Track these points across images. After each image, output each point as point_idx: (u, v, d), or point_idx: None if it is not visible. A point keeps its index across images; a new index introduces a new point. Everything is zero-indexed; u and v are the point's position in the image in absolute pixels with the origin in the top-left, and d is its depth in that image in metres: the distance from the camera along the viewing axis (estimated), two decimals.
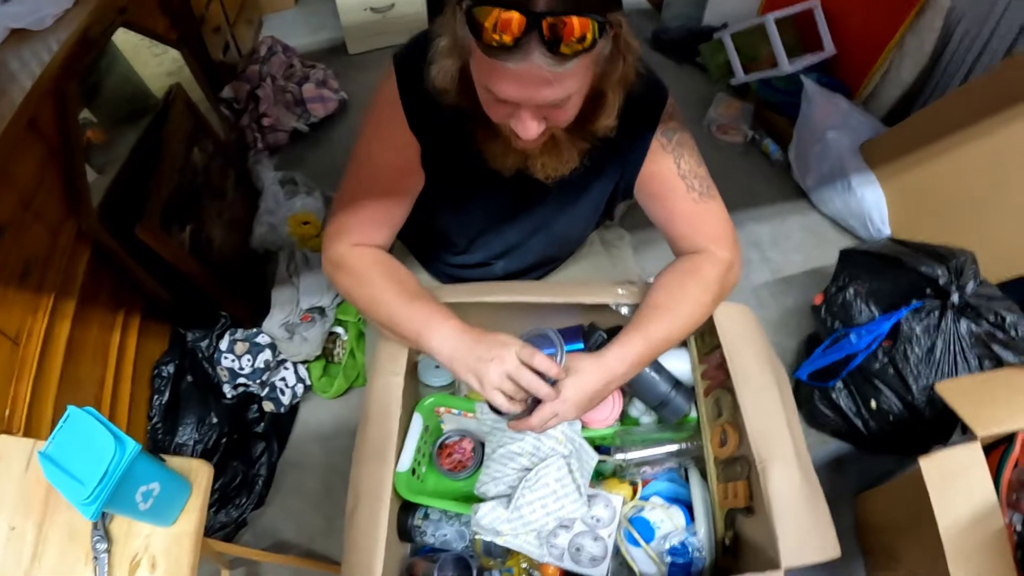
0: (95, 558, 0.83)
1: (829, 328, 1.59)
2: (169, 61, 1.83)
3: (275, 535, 1.53)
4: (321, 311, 1.71)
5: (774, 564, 0.73)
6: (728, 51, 2.56)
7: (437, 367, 1.06)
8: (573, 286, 1.11)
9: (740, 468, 0.85)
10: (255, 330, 1.66)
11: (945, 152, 1.80)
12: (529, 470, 0.84)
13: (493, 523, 0.81)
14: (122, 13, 1.53)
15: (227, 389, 1.60)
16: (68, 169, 1.30)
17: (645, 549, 0.87)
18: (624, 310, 0.98)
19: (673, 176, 0.91)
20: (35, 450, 0.89)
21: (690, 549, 0.85)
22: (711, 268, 0.91)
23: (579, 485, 0.84)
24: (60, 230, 1.27)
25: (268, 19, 3.16)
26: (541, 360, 0.77)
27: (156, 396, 1.52)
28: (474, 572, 0.87)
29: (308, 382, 1.72)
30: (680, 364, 1.01)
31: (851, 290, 1.55)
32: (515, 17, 0.59)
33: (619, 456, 0.93)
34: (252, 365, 1.60)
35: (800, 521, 0.75)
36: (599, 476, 0.96)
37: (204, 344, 1.60)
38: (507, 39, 0.60)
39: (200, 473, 0.92)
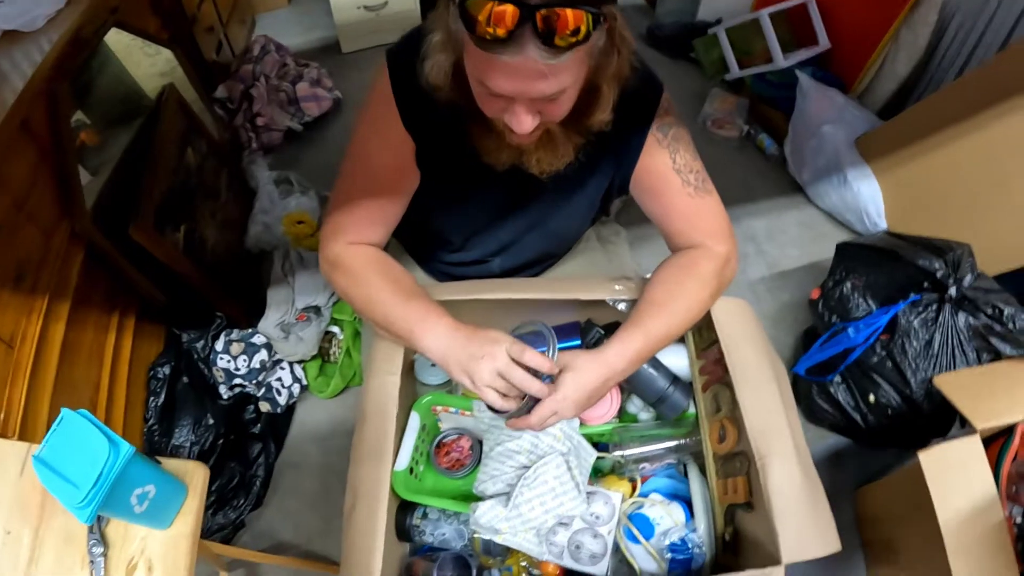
0: (91, 562, 0.83)
1: (826, 322, 1.58)
2: (162, 61, 1.82)
3: (273, 536, 1.52)
4: (317, 310, 1.70)
5: (775, 559, 0.73)
6: (723, 46, 2.56)
7: (433, 365, 1.05)
8: (570, 282, 1.10)
9: (739, 464, 0.85)
10: (251, 330, 1.65)
11: (941, 145, 1.80)
12: (527, 468, 0.83)
13: (492, 521, 0.81)
14: (114, 13, 1.52)
15: (223, 390, 1.59)
16: (61, 170, 1.29)
17: (645, 546, 0.86)
18: (621, 306, 0.98)
19: (669, 171, 0.91)
20: (30, 454, 0.88)
21: (690, 545, 0.85)
22: (708, 263, 0.91)
23: (578, 482, 0.83)
24: (53, 232, 1.26)
25: (261, 18, 3.15)
26: (531, 356, 0.76)
27: (152, 398, 1.51)
28: (473, 571, 0.87)
29: (304, 382, 1.71)
30: (678, 360, 1.01)
31: (848, 284, 1.55)
32: (509, 10, 0.58)
33: (617, 453, 0.93)
34: (248, 365, 1.59)
35: (800, 516, 0.75)
36: (598, 473, 0.96)
37: (200, 345, 1.59)
38: (501, 32, 0.59)
39: (196, 475, 0.91)
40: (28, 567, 0.83)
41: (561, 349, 0.80)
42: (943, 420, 1.35)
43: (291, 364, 1.70)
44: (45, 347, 1.19)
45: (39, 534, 0.85)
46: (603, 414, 0.97)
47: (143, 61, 1.77)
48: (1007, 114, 1.62)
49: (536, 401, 0.78)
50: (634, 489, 0.93)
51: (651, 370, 0.94)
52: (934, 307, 1.39)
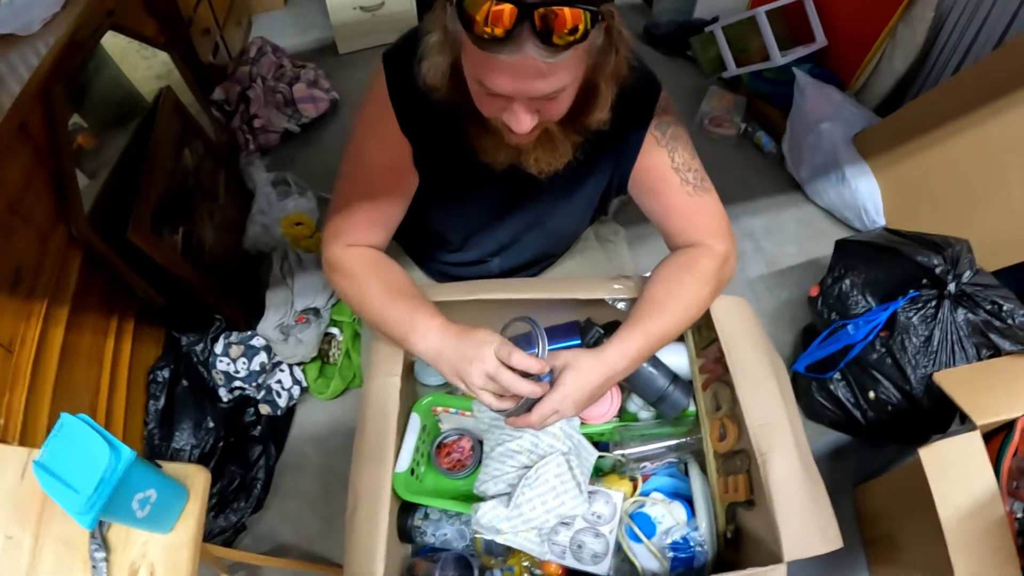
0: (93, 567, 0.82)
1: (826, 320, 1.58)
2: (158, 64, 1.82)
3: (274, 538, 1.52)
4: (316, 312, 1.70)
5: (776, 557, 0.73)
6: (719, 44, 2.56)
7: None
8: (569, 282, 1.10)
9: (740, 462, 0.85)
10: (250, 332, 1.65)
11: (938, 142, 1.80)
12: (528, 468, 0.83)
13: (493, 521, 0.81)
14: (110, 16, 1.52)
15: (223, 393, 1.59)
16: (58, 173, 1.29)
17: (647, 545, 0.86)
18: (620, 305, 0.98)
19: (667, 170, 0.91)
20: (31, 459, 0.88)
21: (692, 544, 0.85)
22: (707, 261, 0.91)
23: (579, 482, 0.83)
24: (51, 235, 1.25)
25: (257, 19, 3.14)
26: (519, 359, 0.75)
27: (152, 401, 1.51)
28: (475, 571, 0.87)
29: (304, 384, 1.71)
30: (678, 358, 1.01)
31: (847, 281, 1.55)
32: (507, 9, 0.58)
33: (618, 452, 0.93)
34: (247, 368, 1.59)
35: (802, 513, 0.75)
36: (599, 472, 0.96)
37: (199, 348, 1.59)
38: (499, 31, 0.59)
39: (197, 478, 0.91)
40: (29, 573, 0.83)
41: (561, 348, 0.80)
42: (943, 416, 1.34)
43: (291, 366, 1.69)
44: (44, 351, 1.18)
45: (40, 539, 0.85)
46: (603, 413, 0.97)
47: (139, 64, 1.76)
48: (1004, 110, 1.62)
49: (535, 399, 0.78)
50: (635, 488, 0.93)
51: (651, 369, 0.94)
52: (933, 303, 1.39)
